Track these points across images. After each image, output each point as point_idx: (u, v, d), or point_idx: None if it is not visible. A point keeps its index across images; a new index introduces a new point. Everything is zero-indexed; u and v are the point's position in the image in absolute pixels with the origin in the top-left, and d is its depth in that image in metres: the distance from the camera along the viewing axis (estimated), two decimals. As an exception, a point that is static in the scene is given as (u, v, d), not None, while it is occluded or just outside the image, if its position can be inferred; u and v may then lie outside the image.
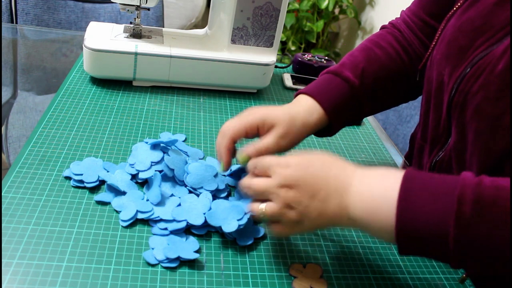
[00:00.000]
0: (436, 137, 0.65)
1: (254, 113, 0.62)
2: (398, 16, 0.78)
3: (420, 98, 0.75)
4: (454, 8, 0.62)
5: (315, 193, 0.50)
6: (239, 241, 0.58)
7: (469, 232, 0.42)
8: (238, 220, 0.57)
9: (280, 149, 0.62)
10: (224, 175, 0.70)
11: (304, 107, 0.65)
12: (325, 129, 0.68)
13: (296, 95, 0.68)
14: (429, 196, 0.45)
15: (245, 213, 0.58)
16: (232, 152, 0.63)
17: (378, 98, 0.70)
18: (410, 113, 1.29)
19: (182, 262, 0.54)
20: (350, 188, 0.50)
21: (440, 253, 0.45)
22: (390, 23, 0.77)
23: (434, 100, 0.64)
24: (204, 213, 0.58)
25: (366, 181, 0.50)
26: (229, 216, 0.57)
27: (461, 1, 0.61)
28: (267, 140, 0.61)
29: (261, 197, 0.54)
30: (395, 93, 0.73)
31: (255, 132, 0.62)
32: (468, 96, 0.55)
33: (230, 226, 0.56)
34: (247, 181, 0.55)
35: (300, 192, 0.50)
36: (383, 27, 0.77)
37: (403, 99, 0.76)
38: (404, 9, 0.76)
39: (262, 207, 0.53)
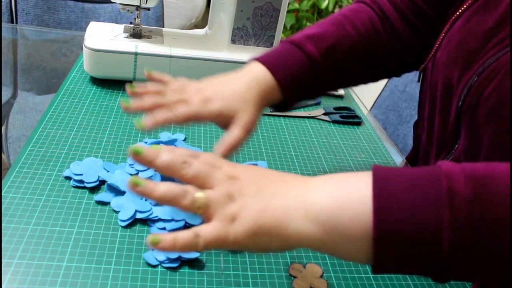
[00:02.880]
0: (443, 141, 0.64)
1: (209, 107, 0.56)
2: None
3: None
4: (460, 10, 0.61)
5: (263, 186, 0.42)
6: None
7: (467, 211, 0.35)
8: None
9: (249, 133, 0.57)
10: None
11: (261, 84, 0.59)
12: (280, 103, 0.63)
13: (251, 60, 0.62)
14: (408, 181, 0.37)
15: None
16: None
17: (338, 78, 0.67)
18: (410, 113, 1.29)
19: (183, 262, 0.54)
20: (310, 181, 0.42)
21: (429, 245, 0.36)
22: None
23: (440, 104, 0.63)
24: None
25: (330, 176, 0.42)
26: None
27: (468, 3, 0.60)
28: (235, 132, 0.55)
29: (197, 182, 0.42)
30: (357, 74, 0.69)
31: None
32: (481, 100, 0.54)
33: None
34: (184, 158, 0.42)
35: (247, 184, 0.42)
36: (360, 1, 0.70)
37: (363, 81, 0.72)
38: None
39: (199, 194, 0.41)
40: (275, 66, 0.60)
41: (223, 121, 0.57)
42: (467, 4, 0.60)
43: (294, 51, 0.62)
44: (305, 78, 0.62)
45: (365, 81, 0.73)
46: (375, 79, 0.74)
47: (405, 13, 0.67)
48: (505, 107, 0.51)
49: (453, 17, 0.62)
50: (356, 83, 0.72)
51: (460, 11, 0.61)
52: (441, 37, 0.63)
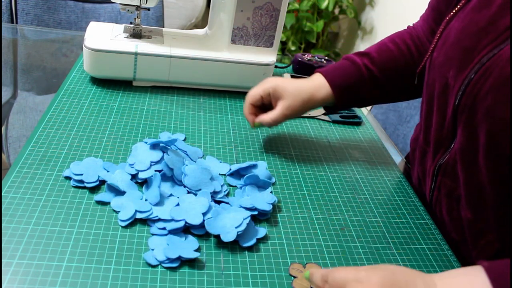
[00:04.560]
0: (440, 140, 0.64)
1: (269, 82, 0.74)
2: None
3: (420, 100, 0.75)
4: (454, 10, 0.61)
5: None
6: (242, 242, 0.58)
7: None
8: (236, 227, 0.57)
9: (286, 119, 0.73)
10: (224, 174, 0.70)
11: (314, 83, 0.74)
12: (333, 105, 0.77)
13: (314, 73, 0.79)
14: None
15: (244, 219, 0.58)
16: (255, 113, 0.75)
17: (381, 86, 0.76)
18: (410, 113, 1.29)
19: (182, 262, 0.54)
20: None
21: None
22: (412, 24, 0.81)
23: (437, 103, 0.63)
24: (203, 213, 0.58)
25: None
26: (228, 224, 0.58)
27: (461, 3, 0.60)
28: (275, 112, 0.72)
29: None
30: (400, 86, 0.77)
31: (269, 98, 0.74)
32: (477, 99, 0.54)
33: (229, 235, 0.56)
34: None
35: None
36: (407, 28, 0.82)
37: (407, 95, 0.79)
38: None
39: None
40: (328, 74, 0.75)
41: (275, 96, 0.73)
42: (461, 4, 0.60)
43: (344, 62, 0.77)
44: (352, 82, 0.75)
45: (407, 95, 0.80)
46: (416, 93, 0.79)
47: (430, 34, 0.75)
48: (502, 107, 0.51)
49: (447, 17, 0.62)
50: (400, 95, 0.80)
51: (454, 11, 0.61)
52: (437, 38, 0.63)
